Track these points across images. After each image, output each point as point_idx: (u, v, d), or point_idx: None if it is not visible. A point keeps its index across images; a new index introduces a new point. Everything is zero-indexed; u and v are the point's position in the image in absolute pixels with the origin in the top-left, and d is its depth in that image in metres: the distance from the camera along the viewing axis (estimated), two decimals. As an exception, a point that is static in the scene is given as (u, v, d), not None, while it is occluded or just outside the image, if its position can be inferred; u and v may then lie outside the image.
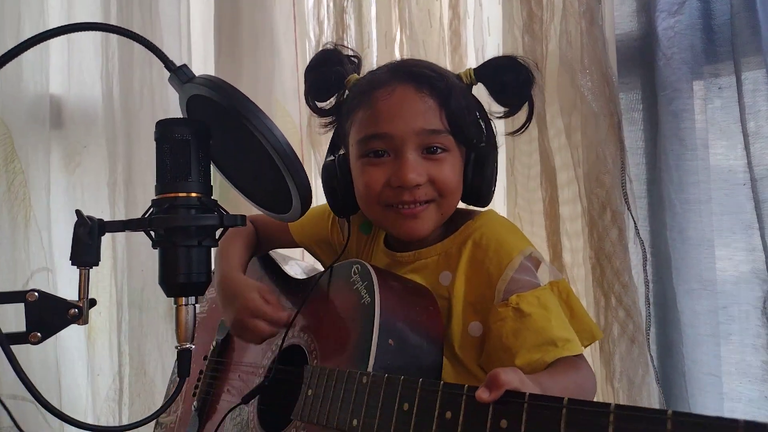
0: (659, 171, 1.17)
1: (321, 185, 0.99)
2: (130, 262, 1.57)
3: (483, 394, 0.57)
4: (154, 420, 0.65)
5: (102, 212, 1.59)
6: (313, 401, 0.79)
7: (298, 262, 1.21)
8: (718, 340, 1.11)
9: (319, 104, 0.99)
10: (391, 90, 0.87)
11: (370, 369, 0.74)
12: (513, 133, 0.97)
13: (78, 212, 0.66)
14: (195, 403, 1.06)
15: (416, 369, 0.78)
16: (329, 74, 0.96)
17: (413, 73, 0.88)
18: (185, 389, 1.12)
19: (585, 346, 0.87)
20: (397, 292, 0.85)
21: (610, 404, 0.47)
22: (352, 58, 0.99)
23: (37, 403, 0.60)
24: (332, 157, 0.97)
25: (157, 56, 0.67)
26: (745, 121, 1.03)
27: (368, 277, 0.84)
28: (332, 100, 0.99)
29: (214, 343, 1.10)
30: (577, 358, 0.81)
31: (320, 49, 1.17)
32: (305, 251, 1.17)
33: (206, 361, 1.11)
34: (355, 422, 0.70)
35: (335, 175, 0.94)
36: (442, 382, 0.64)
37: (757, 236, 1.03)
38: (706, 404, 1.12)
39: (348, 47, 1.01)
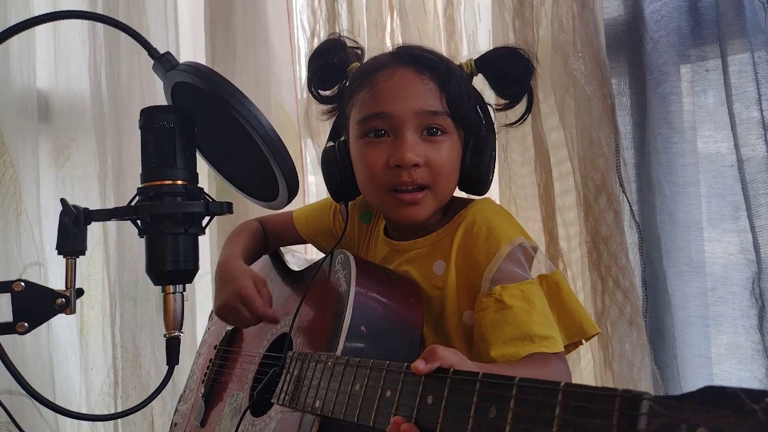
0: (648, 154, 1.17)
1: (313, 178, 0.99)
2: (121, 255, 1.57)
3: (420, 365, 0.58)
4: (143, 409, 0.65)
5: (92, 205, 1.56)
6: (290, 385, 0.80)
7: (296, 254, 1.22)
8: (708, 321, 1.12)
9: (322, 93, 1.00)
10: (393, 72, 0.88)
11: (338, 353, 0.75)
12: (511, 125, 0.97)
13: (63, 201, 0.66)
14: (202, 390, 1.08)
15: (390, 357, 0.78)
16: (333, 62, 0.97)
17: (414, 56, 0.89)
18: (197, 377, 1.14)
19: (573, 344, 0.86)
20: (377, 281, 0.86)
21: (514, 377, 0.50)
22: (356, 50, 1.00)
23: (31, 398, 0.60)
24: (332, 143, 0.97)
25: (140, 43, 0.67)
26: (731, 103, 1.04)
27: (348, 265, 0.86)
28: (334, 89, 0.99)
29: (223, 333, 1.12)
30: (553, 356, 0.78)
31: (316, 39, 1.16)
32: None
33: (215, 350, 1.13)
34: (317, 404, 0.72)
35: (335, 159, 0.94)
36: (388, 362, 0.64)
37: (745, 217, 1.03)
38: (697, 385, 1.12)
39: (351, 38, 1.02)
